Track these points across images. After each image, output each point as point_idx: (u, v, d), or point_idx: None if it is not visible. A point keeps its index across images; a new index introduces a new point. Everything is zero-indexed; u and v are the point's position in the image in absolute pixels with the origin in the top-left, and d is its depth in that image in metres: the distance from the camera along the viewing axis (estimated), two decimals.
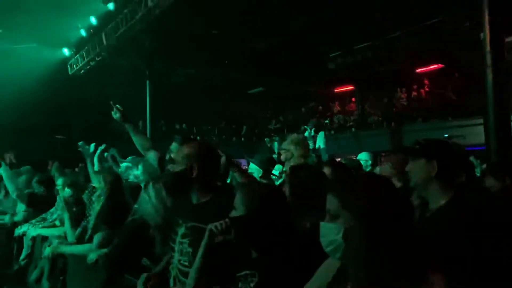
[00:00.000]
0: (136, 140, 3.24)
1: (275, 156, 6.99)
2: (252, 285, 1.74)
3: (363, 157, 4.91)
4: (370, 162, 4.83)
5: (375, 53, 10.48)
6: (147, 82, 10.66)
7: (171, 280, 1.94)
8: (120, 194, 3.58)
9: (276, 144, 10.81)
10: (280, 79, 13.76)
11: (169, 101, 15.09)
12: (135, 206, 3.87)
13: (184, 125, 16.48)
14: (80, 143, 4.48)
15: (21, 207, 5.95)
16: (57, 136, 13.80)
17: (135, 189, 4.11)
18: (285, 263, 1.71)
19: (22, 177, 6.51)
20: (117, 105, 3.18)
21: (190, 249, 1.82)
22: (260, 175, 4.04)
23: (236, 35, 10.12)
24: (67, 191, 4.38)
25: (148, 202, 2.48)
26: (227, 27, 9.57)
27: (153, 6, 7.72)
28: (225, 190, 2.01)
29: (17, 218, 5.78)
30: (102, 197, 3.54)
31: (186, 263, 1.84)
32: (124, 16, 8.62)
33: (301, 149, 3.40)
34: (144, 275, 2.13)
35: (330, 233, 1.25)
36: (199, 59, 11.95)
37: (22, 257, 5.12)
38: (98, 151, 4.54)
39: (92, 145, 4.52)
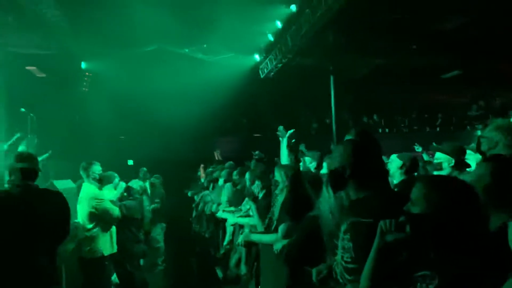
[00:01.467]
0: None
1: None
2: (431, 287, 1.60)
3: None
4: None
5: None
6: (331, 77, 10.77)
7: (338, 277, 1.93)
8: (301, 187, 3.74)
9: (478, 132, 9.59)
10: (481, 60, 12.08)
11: (355, 95, 15.00)
12: (317, 200, 3.97)
13: (375, 117, 16.06)
14: (280, 127, 4.70)
15: (224, 197, 6.84)
16: (254, 135, 15.20)
17: (317, 182, 4.22)
18: (473, 267, 1.52)
19: (223, 172, 7.45)
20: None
21: (350, 244, 1.78)
22: (451, 164, 3.68)
23: (421, 17, 9.36)
24: (257, 183, 4.77)
25: (326, 200, 2.53)
26: (409, 10, 8.94)
27: (332, 1, 7.76)
28: (383, 185, 1.92)
29: (221, 207, 6.65)
30: (284, 190, 3.75)
31: (349, 260, 1.81)
32: (306, 16, 8.91)
33: (509, 137, 2.76)
34: (316, 268, 2.19)
35: None
36: (383, 48, 11.49)
37: (225, 243, 5.85)
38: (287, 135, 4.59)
39: (290, 131, 4.65)
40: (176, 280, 7.86)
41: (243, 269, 4.75)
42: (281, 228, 3.57)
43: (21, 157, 3.03)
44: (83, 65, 12.73)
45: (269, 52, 11.56)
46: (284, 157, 4.44)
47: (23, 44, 10.78)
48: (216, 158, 12.00)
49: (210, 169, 10.75)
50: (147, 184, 8.60)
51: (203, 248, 8.57)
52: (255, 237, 3.98)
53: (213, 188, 8.81)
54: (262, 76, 12.53)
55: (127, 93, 13.18)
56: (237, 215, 5.46)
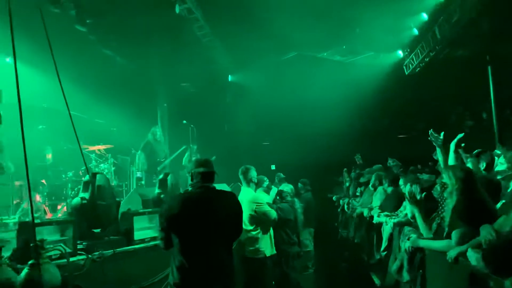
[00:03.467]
0: None
1: None
2: None
3: None
4: None
5: None
6: (489, 68, 9.63)
7: None
8: (475, 191, 3.39)
9: None
10: None
11: None
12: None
13: None
14: (430, 131, 4.44)
15: (376, 202, 6.60)
16: (399, 136, 14.44)
17: (492, 185, 3.80)
18: None
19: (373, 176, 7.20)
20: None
21: None
22: None
23: None
24: (415, 186, 4.47)
25: None
26: None
27: None
28: None
29: (374, 212, 6.42)
30: (453, 194, 3.44)
31: None
32: (457, 3, 8.17)
33: None
34: None
35: None
36: None
37: (381, 248, 5.62)
38: (455, 140, 4.34)
39: (442, 134, 4.40)
40: (329, 284, 7.84)
41: (405, 276, 4.48)
42: (455, 234, 3.27)
43: (201, 163, 3.35)
44: (230, 78, 13.66)
45: (414, 47, 10.87)
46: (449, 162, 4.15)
47: (179, 62, 12.03)
48: (357, 162, 11.71)
49: (353, 173, 10.53)
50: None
51: (353, 253, 8.39)
52: (424, 243, 3.73)
53: (361, 192, 8.60)
54: (407, 73, 11.85)
55: (269, 101, 13.72)
56: (395, 220, 5.21)
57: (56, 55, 4.37)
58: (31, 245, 2.81)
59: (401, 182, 5.74)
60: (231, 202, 3.38)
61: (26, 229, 3.41)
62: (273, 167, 14.58)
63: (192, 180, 3.33)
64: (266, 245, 5.26)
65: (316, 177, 12.21)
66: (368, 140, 13.37)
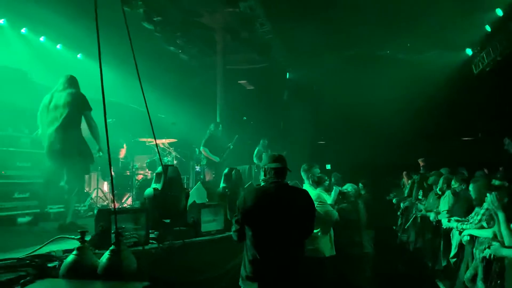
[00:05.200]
0: None
1: None
2: None
3: None
4: None
5: None
6: None
7: None
8: None
9: None
10: None
11: None
12: None
13: None
14: (505, 140, 4.22)
15: (444, 206, 6.31)
16: (463, 139, 13.75)
17: None
18: None
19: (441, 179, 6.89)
20: None
21: None
22: None
23: None
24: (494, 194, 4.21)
25: None
26: None
27: None
28: None
29: (441, 216, 6.15)
30: None
31: None
32: None
33: None
34: None
35: None
36: None
37: (451, 255, 5.36)
38: None
39: None
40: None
41: (479, 285, 4.24)
42: None
43: (274, 158, 3.36)
44: (288, 75, 13.63)
45: (486, 45, 10.27)
46: None
47: (237, 61, 12.18)
48: (421, 164, 11.26)
49: (415, 176, 10.13)
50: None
51: (415, 258, 8.08)
52: (508, 252, 3.50)
53: (423, 195, 8.26)
54: (476, 72, 11.22)
55: (327, 99, 13.55)
56: (467, 225, 4.94)
57: (123, 52, 4.52)
58: (112, 232, 2.92)
59: (470, 187, 5.43)
60: (304, 199, 3.36)
61: (104, 216, 3.57)
62: (328, 166, 14.37)
63: (265, 175, 3.35)
64: (326, 245, 5.19)
65: (373, 178, 11.89)
66: (430, 142, 12.81)
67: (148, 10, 8.84)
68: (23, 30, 9.47)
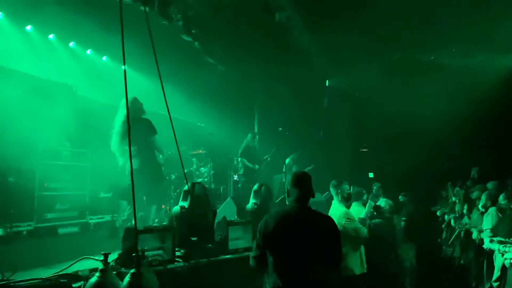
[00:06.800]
0: None
1: None
2: None
3: None
4: None
5: None
6: None
7: None
8: None
9: None
10: None
11: None
12: None
13: None
14: None
15: (487, 224, 5.96)
16: None
17: None
18: None
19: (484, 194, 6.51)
20: None
21: None
22: None
23: None
24: None
25: None
26: None
27: None
28: None
29: (484, 235, 5.82)
30: None
31: None
32: None
33: None
34: None
35: None
36: None
37: (493, 278, 5.06)
38: None
39: None
40: None
41: None
42: None
43: (298, 181, 3.28)
44: (327, 82, 13.44)
45: None
46: None
47: (277, 68, 12.14)
48: (472, 176, 10.71)
49: (457, 189, 9.66)
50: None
51: (458, 276, 7.70)
52: None
53: (469, 209, 7.85)
54: None
55: (368, 106, 13.22)
56: (510, 248, 4.64)
57: (164, 63, 4.66)
58: (133, 254, 2.99)
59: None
60: (328, 225, 3.27)
61: (131, 235, 3.66)
62: (371, 175, 13.98)
63: (288, 195, 3.30)
64: (356, 263, 5.05)
65: (418, 188, 11.43)
66: (480, 150, 12.13)
67: (186, 22, 9.00)
68: (71, 44, 9.92)
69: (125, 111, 5.47)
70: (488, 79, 11.32)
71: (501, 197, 5.65)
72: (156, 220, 6.84)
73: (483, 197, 6.27)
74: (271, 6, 8.35)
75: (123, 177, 5.59)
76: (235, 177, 10.10)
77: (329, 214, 5.28)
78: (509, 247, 4.67)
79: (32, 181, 5.76)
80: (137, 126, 5.31)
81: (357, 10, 9.31)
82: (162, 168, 6.18)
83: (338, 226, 4.89)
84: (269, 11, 8.63)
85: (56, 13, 7.85)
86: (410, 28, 10.10)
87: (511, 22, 9.50)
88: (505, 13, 9.16)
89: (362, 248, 5.17)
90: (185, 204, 4.27)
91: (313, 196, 3.40)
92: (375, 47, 11.13)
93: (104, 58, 10.77)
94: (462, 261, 7.55)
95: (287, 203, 3.43)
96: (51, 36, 9.38)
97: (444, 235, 9.49)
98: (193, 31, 9.35)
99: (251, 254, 3.30)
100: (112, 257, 3.57)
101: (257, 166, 9.10)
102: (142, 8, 6.75)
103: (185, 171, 8.96)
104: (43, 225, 5.74)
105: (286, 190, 3.44)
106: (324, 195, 8.71)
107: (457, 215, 8.27)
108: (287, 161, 9.82)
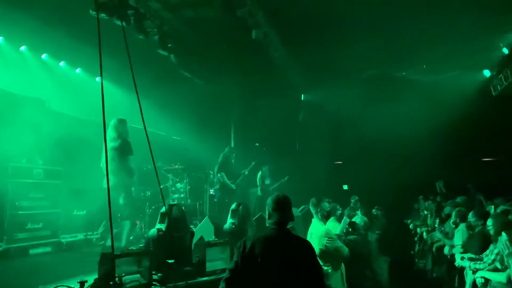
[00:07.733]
0: None
1: None
2: None
3: None
4: None
5: None
6: None
7: None
8: None
9: None
10: None
11: None
12: None
13: None
14: None
15: (457, 240, 6.12)
16: (483, 159, 13.40)
17: None
18: None
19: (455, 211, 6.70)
20: None
21: None
22: None
23: None
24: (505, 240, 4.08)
25: None
26: None
27: None
28: None
29: (455, 251, 5.97)
30: None
31: None
32: None
33: None
34: None
35: None
36: None
37: None
38: None
39: None
40: None
41: None
42: None
43: (278, 205, 3.29)
44: (303, 96, 13.62)
45: (503, 67, 10.06)
46: None
47: (252, 83, 12.22)
48: (439, 190, 11.00)
49: (428, 202, 9.89)
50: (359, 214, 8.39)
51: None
52: None
53: (440, 223, 8.05)
54: (494, 94, 10.96)
55: (343, 120, 13.44)
56: (480, 265, 4.78)
57: (140, 75, 4.66)
58: (110, 283, 2.94)
59: (489, 222, 5.18)
60: (305, 248, 3.29)
61: (107, 260, 3.59)
62: (345, 187, 14.20)
63: (268, 218, 3.33)
64: (337, 282, 5.08)
65: (391, 200, 11.67)
66: (449, 163, 12.52)
67: (162, 36, 8.98)
68: (43, 56, 9.72)
69: (114, 133, 5.52)
70: (457, 95, 11.73)
71: (470, 215, 5.79)
72: (131, 238, 6.74)
73: (453, 213, 6.44)
74: (248, 23, 8.41)
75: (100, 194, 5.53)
76: (211, 191, 10.05)
77: (309, 232, 5.32)
78: (479, 264, 4.81)
79: (3, 200, 5.60)
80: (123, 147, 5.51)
81: (331, 29, 9.49)
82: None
83: (320, 246, 4.95)
84: (246, 28, 8.70)
85: (27, 24, 7.69)
86: (384, 46, 10.36)
87: (479, 43, 9.93)
88: (472, 35, 9.54)
89: (343, 266, 5.22)
90: (163, 226, 4.23)
91: (293, 220, 3.43)
92: (349, 64, 11.35)
93: (77, 70, 10.60)
94: (434, 275, 7.70)
95: (267, 224, 3.43)
96: (22, 47, 9.17)
97: (416, 248, 9.68)
98: (169, 45, 9.32)
99: (224, 275, 3.22)
100: (89, 281, 3.49)
101: (234, 186, 9.10)
102: (118, 23, 6.69)
103: (161, 187, 8.91)
104: (13, 245, 5.56)
105: (267, 212, 3.45)
106: (300, 209, 8.74)
107: (429, 228, 8.46)
108: (259, 174, 9.85)
